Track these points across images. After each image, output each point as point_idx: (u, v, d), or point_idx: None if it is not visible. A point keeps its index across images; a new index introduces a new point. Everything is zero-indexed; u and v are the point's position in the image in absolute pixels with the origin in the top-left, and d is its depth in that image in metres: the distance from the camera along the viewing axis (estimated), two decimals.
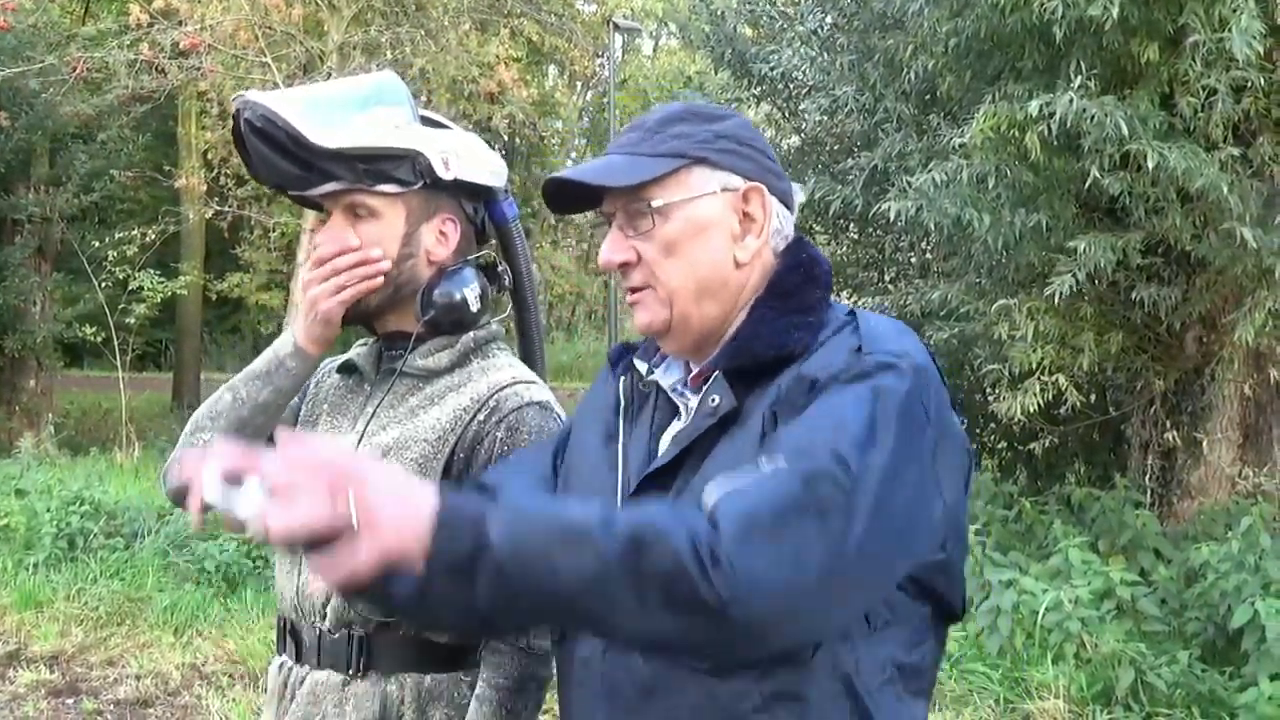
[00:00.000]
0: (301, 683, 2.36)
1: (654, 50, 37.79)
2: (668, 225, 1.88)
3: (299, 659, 2.39)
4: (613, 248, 1.89)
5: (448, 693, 2.27)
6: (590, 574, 1.47)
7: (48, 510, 10.03)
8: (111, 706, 7.09)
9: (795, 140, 11.60)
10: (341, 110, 2.30)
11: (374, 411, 2.37)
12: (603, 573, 1.47)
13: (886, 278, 10.82)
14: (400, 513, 1.46)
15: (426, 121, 2.45)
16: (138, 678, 7.53)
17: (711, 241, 1.88)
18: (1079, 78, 6.30)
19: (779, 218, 1.95)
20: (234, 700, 7.03)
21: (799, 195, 2.06)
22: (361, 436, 2.35)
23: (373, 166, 2.27)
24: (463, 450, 2.26)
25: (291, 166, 2.28)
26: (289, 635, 2.43)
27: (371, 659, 2.29)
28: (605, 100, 30.91)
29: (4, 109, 15.48)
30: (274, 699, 2.44)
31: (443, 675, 2.28)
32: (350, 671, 2.30)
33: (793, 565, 1.50)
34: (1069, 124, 6.26)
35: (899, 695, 1.74)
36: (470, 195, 2.41)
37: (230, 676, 7.49)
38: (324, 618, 2.32)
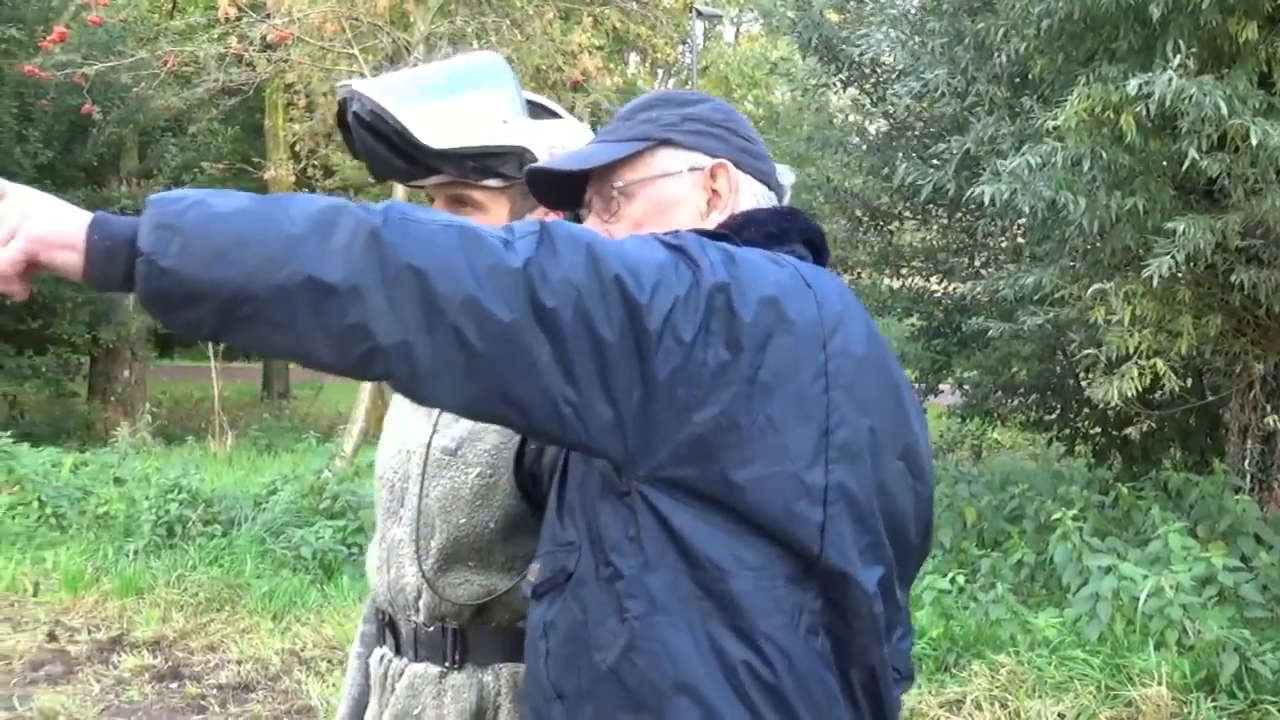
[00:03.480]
0: (400, 675, 2.38)
1: (735, 36, 37.69)
2: (632, 205, 1.97)
3: (398, 651, 2.42)
4: None
5: None
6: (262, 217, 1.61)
7: (146, 498, 10.19)
8: (214, 691, 7.19)
9: (883, 125, 11.53)
10: (447, 100, 2.30)
11: None
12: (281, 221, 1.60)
13: (977, 262, 10.72)
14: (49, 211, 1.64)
15: (535, 107, 2.45)
16: (238, 663, 7.63)
17: (679, 218, 1.93)
18: (1177, 57, 6.21)
19: (754, 195, 2.00)
20: (334, 685, 7.09)
21: (788, 176, 2.13)
22: (435, 429, 2.36)
23: (479, 163, 2.29)
24: (534, 441, 2.25)
25: (398, 160, 2.29)
26: (387, 629, 2.45)
27: (467, 651, 2.31)
28: (686, 87, 30.88)
29: (96, 103, 15.68)
30: (376, 690, 2.47)
31: None
32: (447, 664, 2.32)
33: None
34: (1167, 104, 6.17)
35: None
36: None
37: (329, 662, 7.57)
38: (417, 611, 2.34)
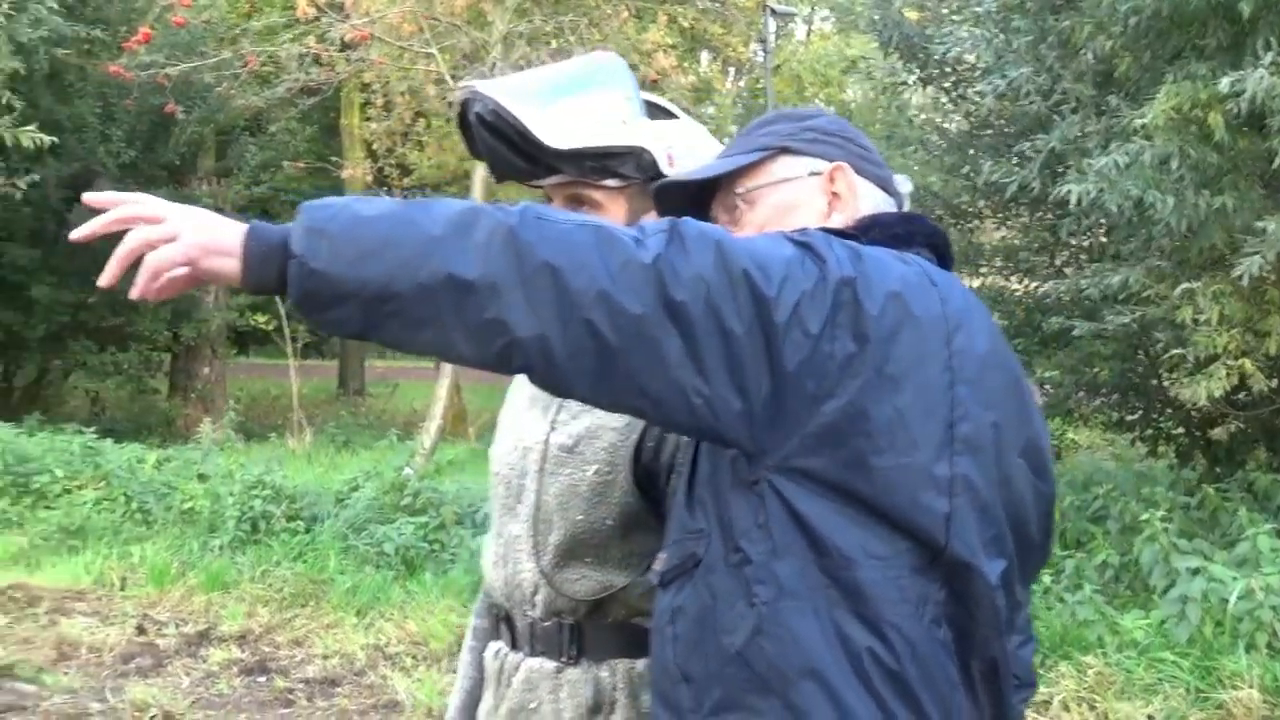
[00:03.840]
0: (517, 669, 2.40)
1: (807, 34, 37.58)
2: (755, 211, 2.05)
3: (513, 646, 2.43)
4: None
5: None
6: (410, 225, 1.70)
7: (230, 494, 10.31)
8: (301, 685, 7.28)
9: (962, 123, 11.47)
10: (567, 100, 2.32)
11: (564, 401, 2.38)
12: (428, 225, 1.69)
13: (1058, 261, 10.64)
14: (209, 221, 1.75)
15: (652, 107, 2.48)
16: (324, 657, 7.72)
17: (800, 222, 1.96)
18: (1268, 55, 6.16)
19: (873, 200, 2.07)
20: (419, 680, 7.18)
21: (905, 184, 2.20)
22: (553, 425, 2.38)
23: (598, 163, 2.30)
24: (652, 438, 2.27)
25: (518, 160, 2.31)
26: (503, 623, 2.47)
27: (583, 646, 2.32)
28: (759, 86, 30.82)
29: (178, 103, 15.86)
30: (491, 684, 2.49)
31: None
32: (563, 659, 2.33)
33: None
34: (1258, 102, 6.12)
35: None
36: None
37: (413, 658, 7.65)
38: (534, 606, 2.36)
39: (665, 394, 1.69)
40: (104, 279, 1.76)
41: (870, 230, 1.93)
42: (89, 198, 1.81)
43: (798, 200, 2.05)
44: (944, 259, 1.99)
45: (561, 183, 2.34)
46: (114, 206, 1.79)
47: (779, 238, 1.78)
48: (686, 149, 2.38)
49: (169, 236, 1.72)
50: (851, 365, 1.70)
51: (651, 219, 2.34)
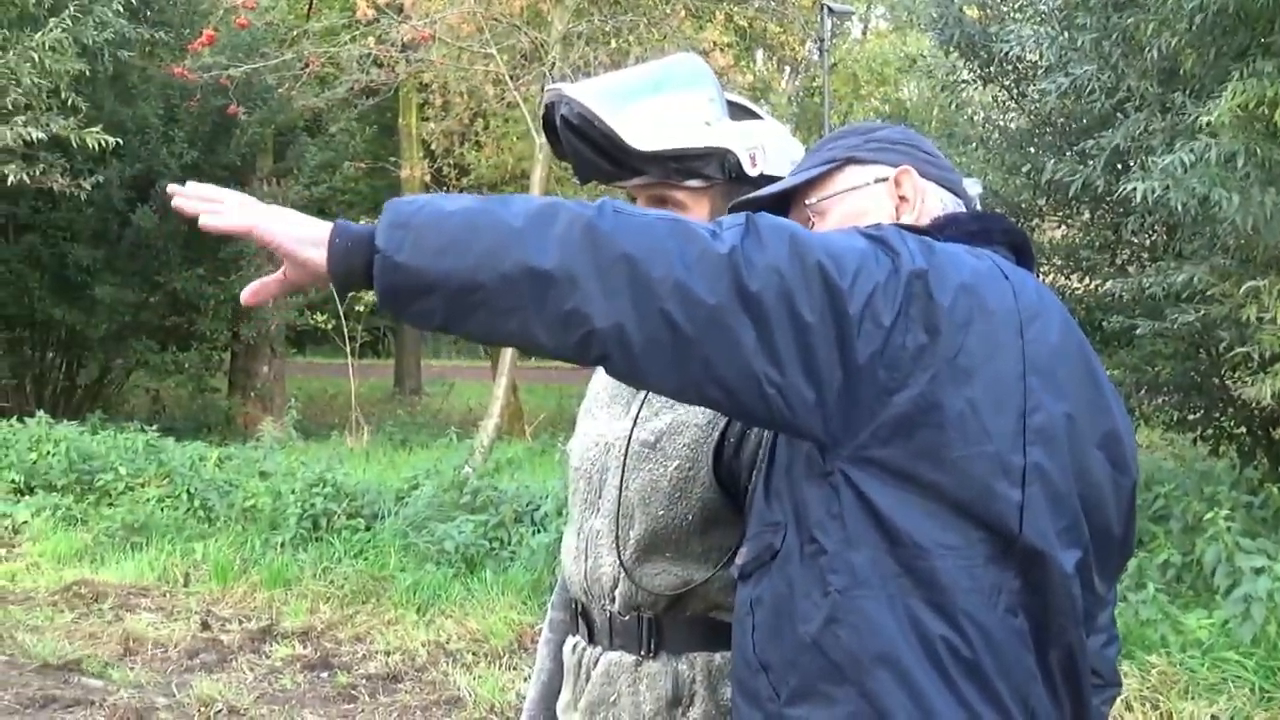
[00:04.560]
0: (596, 663, 2.41)
1: (864, 33, 37.46)
2: (826, 221, 2.09)
3: (591, 640, 2.46)
4: None
5: None
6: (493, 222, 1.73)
7: (292, 492, 10.38)
8: (364, 681, 7.32)
9: (1023, 121, 11.42)
10: (651, 101, 2.34)
11: (646, 397, 2.40)
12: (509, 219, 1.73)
13: (1119, 260, 10.59)
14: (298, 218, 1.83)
15: (735, 108, 2.50)
16: (386, 654, 7.76)
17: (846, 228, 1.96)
18: None
19: (942, 202, 2.10)
20: (480, 677, 7.20)
21: (974, 188, 2.24)
22: (635, 422, 2.39)
23: (682, 164, 2.33)
24: (733, 435, 2.27)
25: (604, 162, 2.34)
26: (580, 618, 2.49)
27: (662, 639, 2.33)
28: (815, 84, 30.74)
29: (240, 104, 15.99)
30: (570, 677, 2.51)
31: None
32: (642, 652, 2.34)
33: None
34: None
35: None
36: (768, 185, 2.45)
37: (474, 654, 7.68)
38: (613, 600, 2.37)
39: (739, 384, 1.72)
40: (249, 297, 1.91)
41: (946, 228, 1.97)
42: (183, 190, 1.87)
43: (866, 207, 2.08)
44: (1022, 256, 2.01)
45: (646, 184, 2.36)
46: (209, 202, 1.84)
47: (852, 232, 1.82)
48: (770, 149, 2.40)
49: (247, 226, 1.81)
50: (923, 356, 1.72)
51: None
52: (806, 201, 2.13)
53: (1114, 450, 1.94)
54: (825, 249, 1.73)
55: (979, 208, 2.22)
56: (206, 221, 1.82)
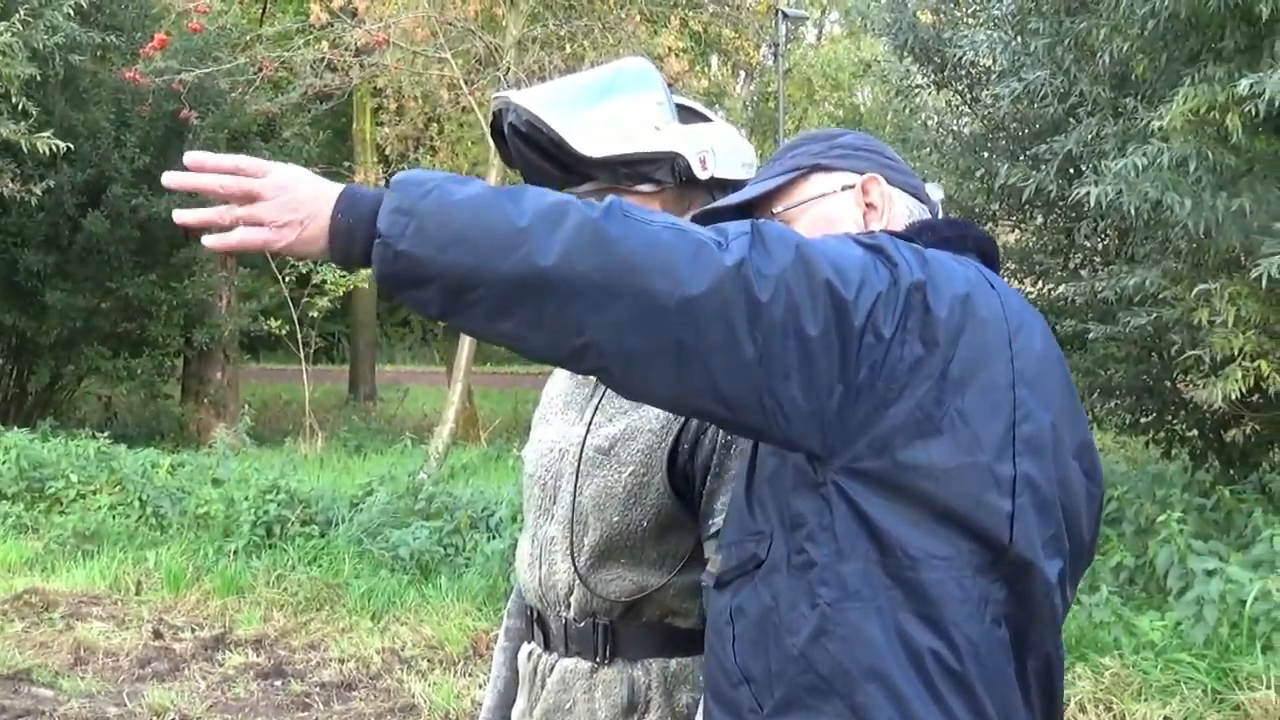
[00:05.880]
0: (551, 670, 2.41)
1: (818, 38, 37.59)
2: (794, 229, 1.98)
3: (547, 646, 2.44)
4: None
5: (693, 676, 2.29)
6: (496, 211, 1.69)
7: (245, 499, 10.30)
8: (317, 689, 7.29)
9: (977, 126, 11.48)
10: (599, 107, 2.33)
11: (599, 403, 2.40)
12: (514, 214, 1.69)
13: (1072, 264, 10.65)
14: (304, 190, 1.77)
15: (685, 111, 2.49)
16: (340, 661, 7.73)
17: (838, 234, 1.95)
18: None
19: (908, 208, 2.09)
20: (435, 684, 7.19)
21: (937, 192, 2.23)
22: (589, 428, 2.38)
23: (633, 169, 2.32)
24: (687, 440, 2.27)
25: (553, 168, 2.33)
26: (536, 624, 2.48)
27: (617, 646, 2.33)
28: (769, 90, 30.82)
29: (193, 108, 15.89)
30: (525, 685, 2.50)
31: (688, 659, 2.30)
32: (597, 659, 2.33)
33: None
34: (1277, 104, 6.13)
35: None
36: (722, 188, 2.42)
37: (429, 661, 7.67)
38: (568, 607, 2.36)
39: (739, 396, 1.70)
40: (184, 218, 1.81)
41: (922, 234, 1.95)
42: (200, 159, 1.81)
43: (833, 215, 2.07)
44: (990, 264, 2.00)
45: (596, 189, 2.34)
46: (215, 168, 1.79)
47: (846, 240, 1.80)
48: (721, 152, 2.39)
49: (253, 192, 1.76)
50: (919, 368, 1.71)
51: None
52: (773, 210, 2.11)
53: (1088, 459, 1.94)
54: (829, 260, 1.71)
55: (941, 213, 2.22)
56: (211, 243, 1.80)
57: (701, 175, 2.34)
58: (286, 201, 1.75)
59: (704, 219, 2.07)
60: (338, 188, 1.76)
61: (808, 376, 1.69)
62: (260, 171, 1.77)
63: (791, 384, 1.69)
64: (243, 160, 1.79)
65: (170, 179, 1.80)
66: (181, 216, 1.81)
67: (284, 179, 1.77)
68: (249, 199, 1.76)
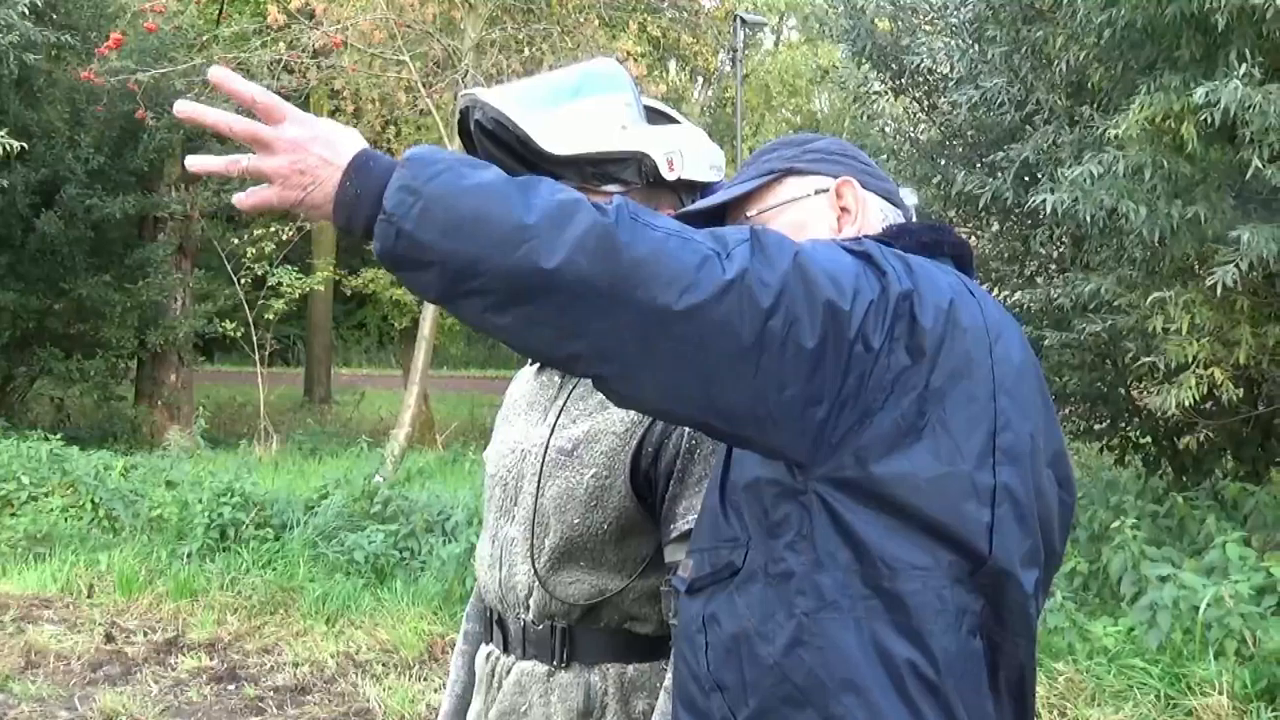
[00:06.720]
0: (508, 672, 2.40)
1: (775, 44, 37.69)
2: None
3: (505, 649, 2.43)
4: None
5: (650, 683, 2.29)
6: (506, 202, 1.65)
7: (199, 502, 10.24)
8: (271, 693, 7.25)
9: (934, 133, 11.52)
10: (567, 106, 2.32)
11: (564, 405, 2.39)
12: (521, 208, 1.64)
13: (1027, 271, 10.70)
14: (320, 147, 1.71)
15: (652, 113, 2.48)
16: (295, 665, 7.69)
17: (811, 238, 1.93)
18: (1243, 66, 6.22)
19: (882, 212, 2.08)
20: (390, 688, 7.16)
21: (910, 197, 2.23)
22: (552, 430, 2.37)
23: (599, 169, 2.31)
24: (651, 444, 2.26)
25: (519, 167, 2.30)
26: (495, 626, 2.47)
27: (575, 650, 2.32)
28: (727, 95, 30.89)
29: (148, 109, 15.80)
30: (482, 686, 2.49)
31: (645, 665, 2.30)
32: (555, 662, 2.33)
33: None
34: (1232, 113, 6.18)
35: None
36: (689, 190, 2.42)
37: (384, 665, 7.64)
38: (527, 609, 2.36)
39: (734, 406, 1.68)
40: (193, 163, 1.76)
41: (900, 238, 1.93)
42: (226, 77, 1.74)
43: (807, 219, 2.06)
44: (965, 269, 1.99)
45: None
46: (232, 92, 1.73)
47: (834, 246, 1.77)
48: (688, 154, 2.38)
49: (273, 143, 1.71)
50: (904, 378, 1.70)
51: None
52: (746, 214, 2.10)
53: (1061, 469, 1.94)
54: (823, 268, 1.69)
55: (914, 217, 2.22)
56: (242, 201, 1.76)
57: (669, 176, 2.33)
58: (297, 160, 1.70)
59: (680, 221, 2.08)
60: (353, 150, 1.71)
61: (803, 387, 1.67)
62: (277, 115, 1.72)
63: (786, 395, 1.67)
64: (260, 94, 1.72)
65: (182, 108, 1.75)
66: (192, 162, 1.76)
67: (298, 135, 1.71)
68: (260, 146, 1.71)
